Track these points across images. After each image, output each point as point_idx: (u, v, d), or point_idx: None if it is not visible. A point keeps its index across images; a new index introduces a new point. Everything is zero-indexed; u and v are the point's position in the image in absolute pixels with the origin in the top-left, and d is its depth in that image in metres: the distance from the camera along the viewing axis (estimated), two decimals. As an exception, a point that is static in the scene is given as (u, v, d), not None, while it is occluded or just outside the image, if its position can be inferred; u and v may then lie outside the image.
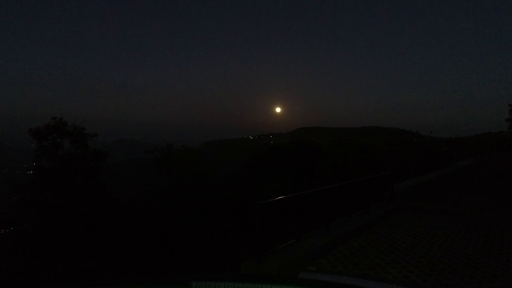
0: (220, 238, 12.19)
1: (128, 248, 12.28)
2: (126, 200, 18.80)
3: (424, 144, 18.33)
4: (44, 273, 11.52)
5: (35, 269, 11.82)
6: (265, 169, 25.78)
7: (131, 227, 13.81)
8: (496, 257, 4.74)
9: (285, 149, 31.41)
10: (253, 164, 29.93)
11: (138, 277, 9.98)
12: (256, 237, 4.23)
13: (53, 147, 13.15)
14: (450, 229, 6.25)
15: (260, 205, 4.38)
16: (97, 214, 13.30)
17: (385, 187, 8.45)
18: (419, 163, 15.87)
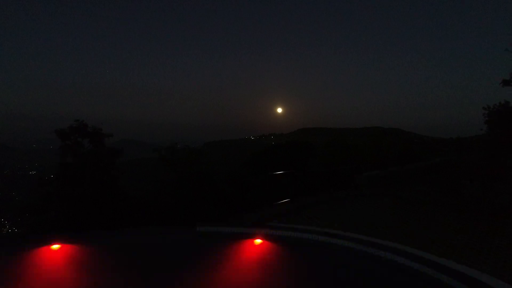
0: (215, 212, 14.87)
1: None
2: (135, 194, 20.86)
3: (404, 144, 20.42)
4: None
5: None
6: (262, 167, 27.82)
7: (142, 215, 15.95)
8: (417, 225, 6.75)
9: (281, 149, 33.60)
10: (251, 162, 32.10)
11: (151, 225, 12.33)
12: (238, 203, 6.46)
13: (75, 145, 15.31)
14: (388, 207, 8.30)
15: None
16: (112, 204, 15.42)
17: (351, 177, 10.49)
18: (396, 160, 17.89)
